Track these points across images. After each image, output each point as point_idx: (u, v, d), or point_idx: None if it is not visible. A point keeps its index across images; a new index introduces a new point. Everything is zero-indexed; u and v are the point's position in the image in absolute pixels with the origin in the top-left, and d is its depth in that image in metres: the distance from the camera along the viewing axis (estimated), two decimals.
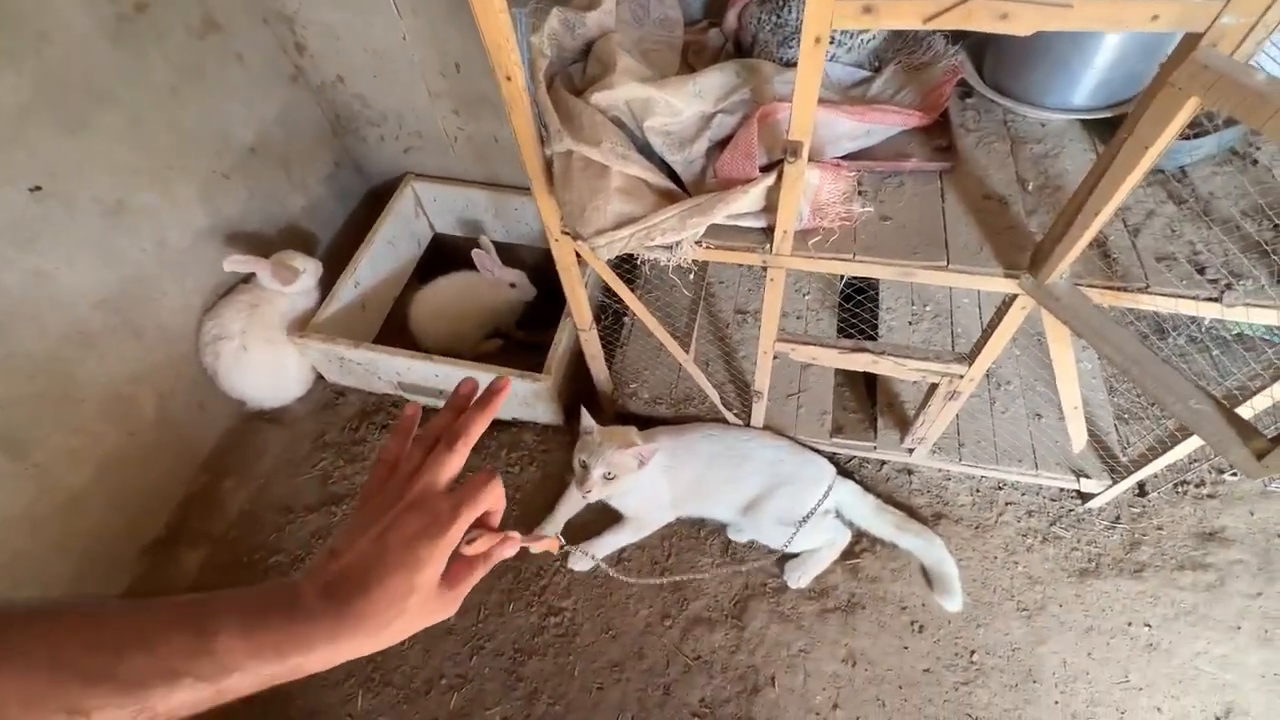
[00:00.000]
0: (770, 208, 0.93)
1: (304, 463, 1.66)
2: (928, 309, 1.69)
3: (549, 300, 1.61)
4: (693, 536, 1.49)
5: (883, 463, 1.54)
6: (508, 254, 1.85)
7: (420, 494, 0.42)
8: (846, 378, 1.64)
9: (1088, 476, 1.36)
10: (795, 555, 1.41)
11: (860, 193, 0.98)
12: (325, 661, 0.38)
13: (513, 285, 1.87)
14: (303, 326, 1.63)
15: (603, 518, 1.48)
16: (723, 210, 0.86)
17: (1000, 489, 1.48)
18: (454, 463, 0.45)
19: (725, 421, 1.53)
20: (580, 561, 1.44)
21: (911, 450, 1.44)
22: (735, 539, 1.47)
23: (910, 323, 1.67)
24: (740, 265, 1.82)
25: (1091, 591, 1.34)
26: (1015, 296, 0.94)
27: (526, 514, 1.51)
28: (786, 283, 1.07)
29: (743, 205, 0.87)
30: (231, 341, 1.55)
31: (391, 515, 0.41)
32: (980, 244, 0.94)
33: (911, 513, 1.44)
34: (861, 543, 1.44)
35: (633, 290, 1.76)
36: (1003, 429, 1.46)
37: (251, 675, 0.36)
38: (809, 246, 0.96)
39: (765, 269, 1.01)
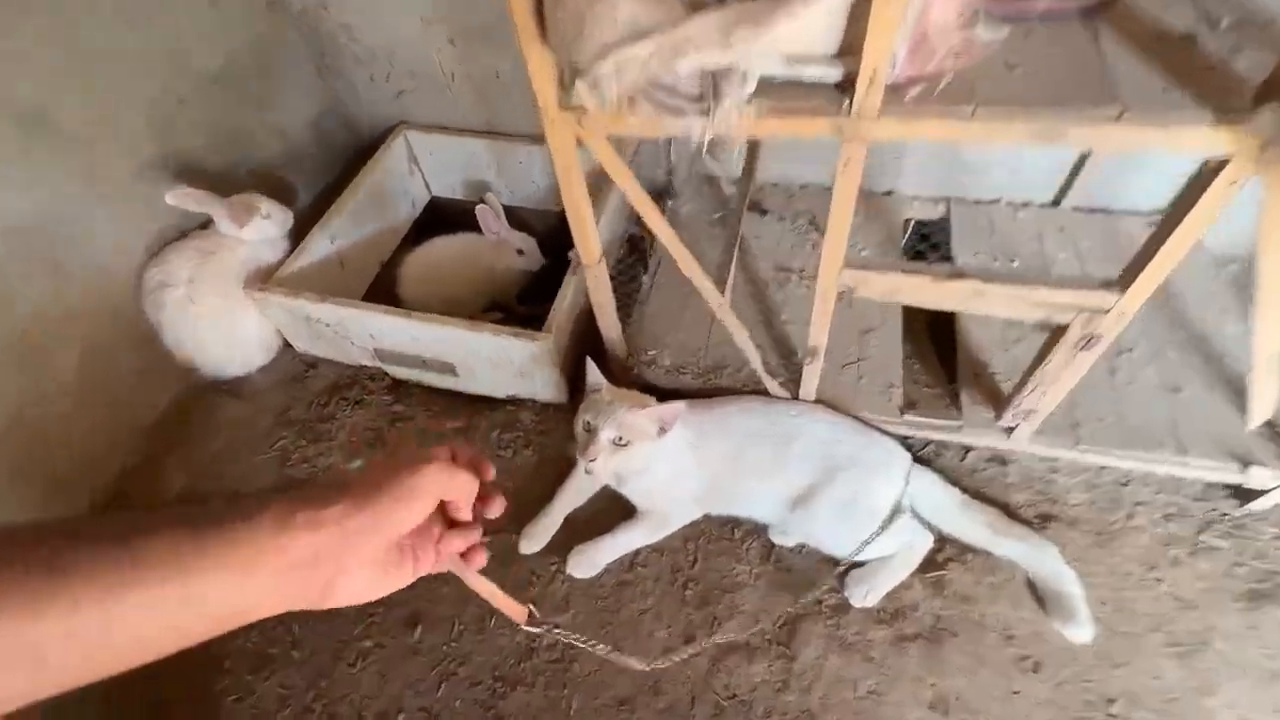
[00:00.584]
0: (851, 47, 0.65)
1: (262, 441, 1.40)
2: (1015, 264, 1.38)
3: (556, 273, 1.35)
4: (725, 538, 1.18)
5: (967, 450, 1.22)
6: (512, 218, 1.59)
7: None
8: (915, 348, 1.33)
9: (1260, 466, 1.02)
10: (860, 564, 1.09)
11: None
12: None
13: (520, 252, 1.60)
14: (265, 280, 1.38)
15: (613, 509, 1.18)
16: (785, 17, 0.57)
17: (1125, 484, 1.14)
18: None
19: (767, 395, 1.23)
20: (581, 565, 1.14)
21: (1010, 430, 1.12)
22: (780, 542, 1.15)
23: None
24: (783, 218, 1.54)
25: (1269, 621, 0.99)
26: (1224, 163, 0.63)
27: (521, 507, 1.22)
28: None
29: (815, 13, 0.58)
30: (176, 290, 1.30)
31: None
32: (1164, 89, 0.64)
33: (1009, 513, 1.11)
34: (945, 550, 1.11)
35: (652, 238, 1.49)
36: (1130, 405, 1.13)
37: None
38: (906, 102, 0.67)
39: (841, 141, 0.72)
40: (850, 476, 1.08)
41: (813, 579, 1.11)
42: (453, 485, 0.42)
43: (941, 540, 1.12)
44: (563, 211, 0.99)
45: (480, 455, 0.46)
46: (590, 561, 1.13)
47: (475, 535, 0.47)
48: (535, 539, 1.17)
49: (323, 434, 1.40)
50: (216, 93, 1.43)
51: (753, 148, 1.42)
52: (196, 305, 1.31)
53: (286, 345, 1.54)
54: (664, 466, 1.10)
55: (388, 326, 1.32)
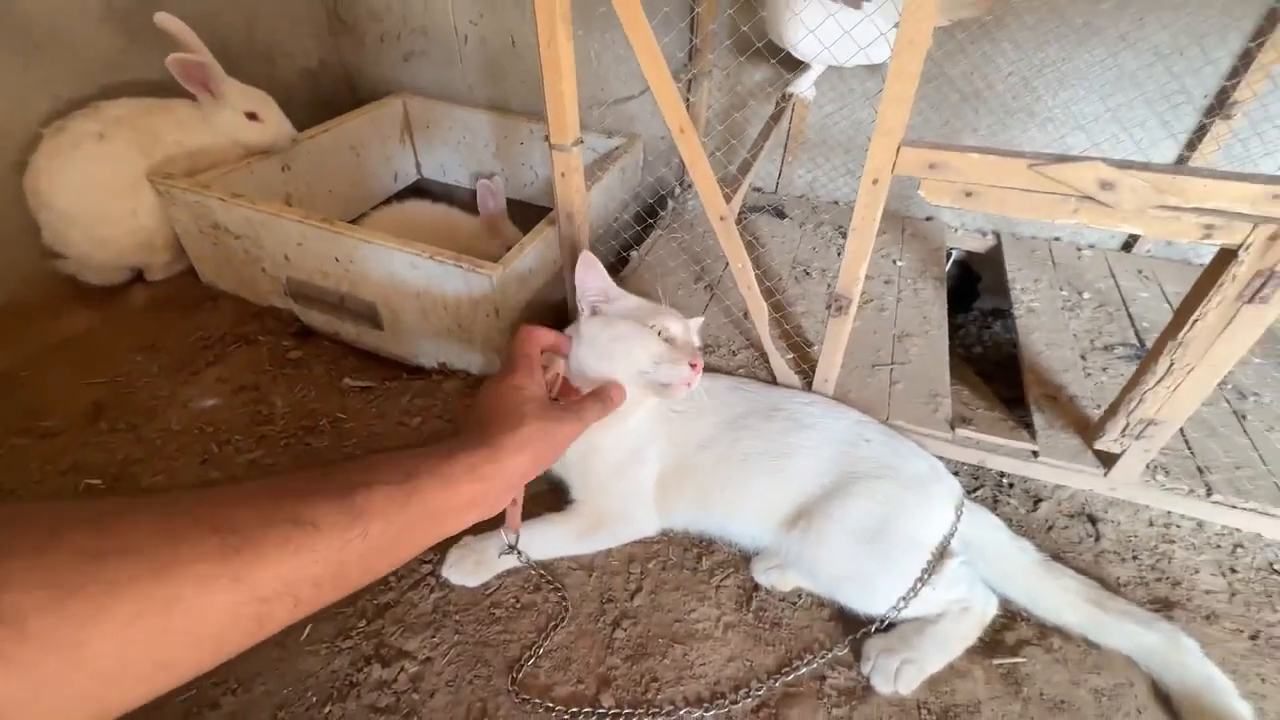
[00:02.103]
0: None
1: (100, 361, 1.07)
2: (1085, 296, 1.12)
3: None
4: (686, 566, 0.80)
5: (1037, 500, 0.87)
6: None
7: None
8: (956, 371, 1.02)
9: None
10: (887, 627, 0.71)
11: None
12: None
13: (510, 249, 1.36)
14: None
15: (550, 498, 0.82)
16: None
17: (1277, 571, 0.78)
18: None
19: (770, 384, 0.91)
20: (464, 567, 0.75)
21: (1112, 461, 0.78)
22: (766, 583, 0.77)
23: (1064, 308, 1.09)
24: (803, 225, 1.32)
25: None
26: None
27: None
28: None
29: None
30: (93, 124, 1.05)
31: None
32: None
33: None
34: (1017, 628, 0.73)
35: (654, 230, 1.26)
36: (1276, 455, 0.80)
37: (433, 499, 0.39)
38: None
39: None
40: (879, 488, 0.74)
41: (811, 641, 0.72)
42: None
43: (1008, 613, 0.74)
44: None
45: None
46: (479, 563, 0.75)
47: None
48: None
49: (184, 366, 1.07)
50: None
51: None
52: (104, 145, 1.05)
53: (189, 273, 1.26)
54: (618, 444, 0.77)
55: (308, 240, 1.05)
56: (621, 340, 0.71)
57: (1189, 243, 0.66)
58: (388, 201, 1.57)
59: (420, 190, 1.70)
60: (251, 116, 1.20)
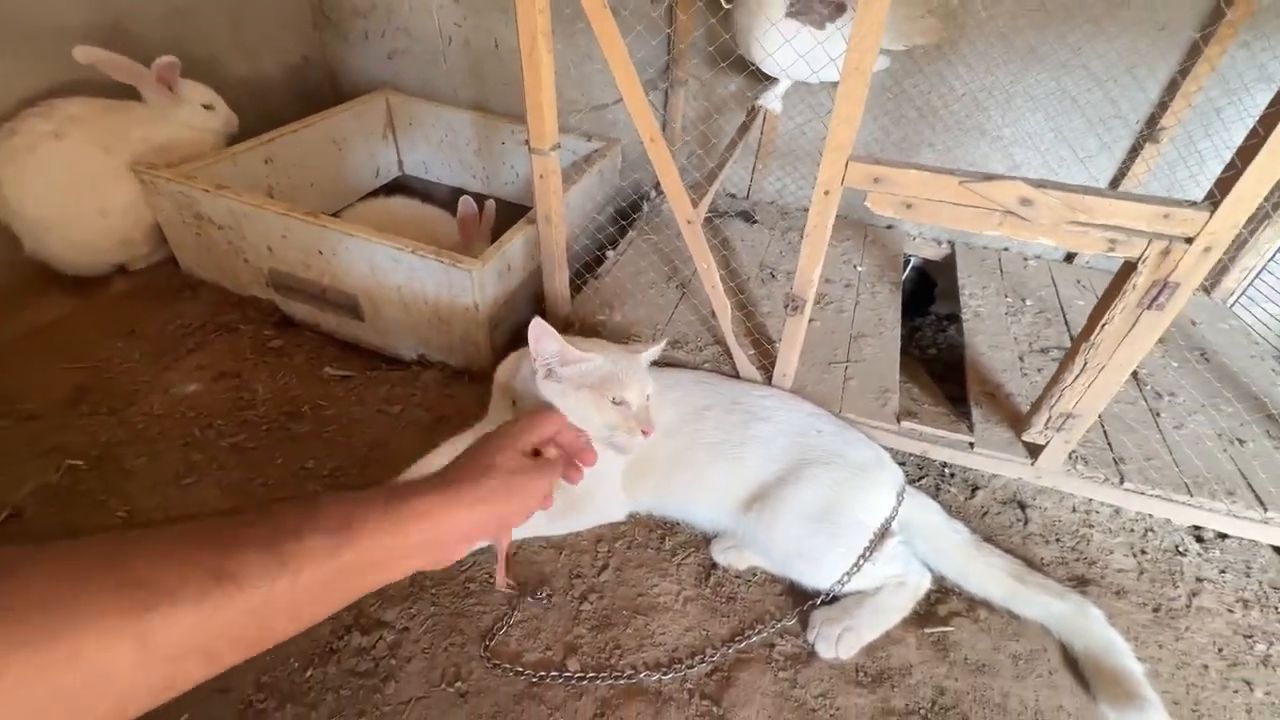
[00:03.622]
0: None
1: (76, 347, 1.08)
2: (1027, 303, 1.20)
3: None
4: (650, 545, 0.85)
5: (975, 488, 0.95)
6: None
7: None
8: (909, 376, 1.10)
9: None
10: (831, 600, 0.77)
11: None
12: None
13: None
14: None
15: None
16: None
17: (1182, 554, 0.87)
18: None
19: (732, 378, 0.98)
20: None
21: (1038, 451, 0.86)
22: (724, 562, 0.83)
23: (1007, 313, 1.17)
24: (772, 229, 1.39)
25: None
26: None
27: (397, 468, 0.89)
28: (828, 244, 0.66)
29: None
30: (46, 124, 1.06)
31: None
32: None
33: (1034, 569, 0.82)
34: (949, 601, 0.80)
35: (629, 231, 1.32)
36: (1185, 451, 0.89)
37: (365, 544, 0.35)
38: None
39: None
40: (828, 473, 0.80)
41: (762, 613, 0.78)
42: (529, 485, 0.45)
43: (942, 587, 0.81)
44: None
45: (576, 440, 0.52)
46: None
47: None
48: None
49: (165, 353, 1.09)
50: None
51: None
52: (61, 144, 1.06)
53: (170, 261, 1.28)
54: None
55: (292, 232, 1.08)
56: (577, 410, 0.73)
57: (1093, 255, 0.73)
58: (368, 196, 1.60)
59: (401, 186, 1.73)
60: (207, 107, 1.23)
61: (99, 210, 1.12)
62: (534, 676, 0.69)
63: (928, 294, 1.50)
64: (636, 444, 0.75)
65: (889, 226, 1.42)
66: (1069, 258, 1.34)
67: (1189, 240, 0.62)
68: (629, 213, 1.46)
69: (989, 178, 0.66)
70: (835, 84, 0.68)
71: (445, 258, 1.00)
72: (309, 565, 0.33)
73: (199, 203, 1.13)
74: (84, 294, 1.19)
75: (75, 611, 0.26)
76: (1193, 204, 0.62)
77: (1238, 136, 0.61)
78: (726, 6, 1.11)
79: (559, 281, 1.03)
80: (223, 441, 0.95)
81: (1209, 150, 1.13)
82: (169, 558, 0.29)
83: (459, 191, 1.55)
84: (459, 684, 0.69)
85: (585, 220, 1.38)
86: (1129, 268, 0.67)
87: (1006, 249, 1.37)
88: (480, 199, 1.30)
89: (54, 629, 0.25)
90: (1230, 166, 0.60)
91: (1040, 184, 0.65)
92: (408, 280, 1.05)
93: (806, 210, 1.44)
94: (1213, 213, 0.61)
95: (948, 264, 1.36)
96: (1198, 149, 1.13)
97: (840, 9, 1.01)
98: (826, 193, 0.73)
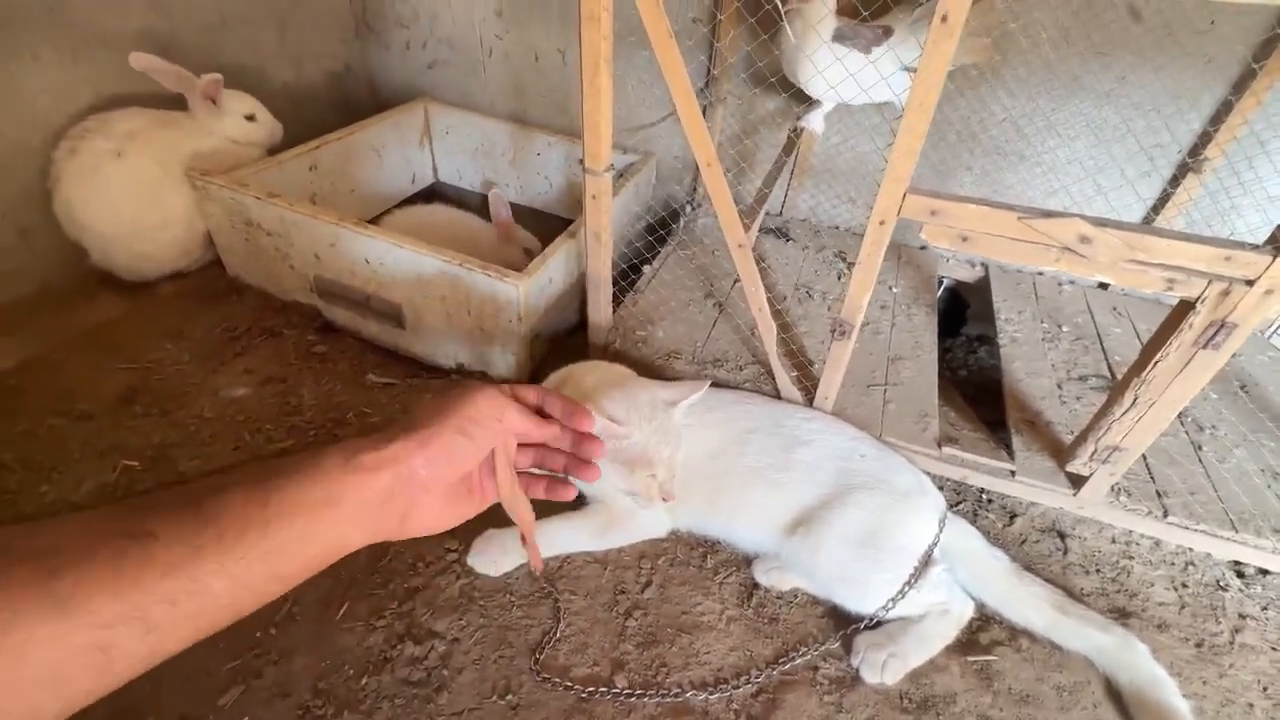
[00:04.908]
0: None
1: (130, 347, 1.11)
2: (1064, 329, 1.21)
3: None
4: (692, 564, 0.87)
5: (1013, 515, 0.95)
6: (517, 216, 1.44)
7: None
8: (943, 393, 1.10)
9: None
10: (875, 625, 0.78)
11: None
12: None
13: (528, 253, 1.41)
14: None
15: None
16: None
17: (1224, 589, 0.87)
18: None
19: (773, 399, 0.99)
20: (488, 558, 0.81)
21: (1081, 482, 0.86)
22: (766, 583, 0.84)
23: (1044, 339, 1.18)
24: (806, 248, 1.40)
25: None
26: None
27: None
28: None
29: None
30: (106, 142, 1.09)
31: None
32: None
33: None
34: (991, 630, 0.81)
35: (664, 246, 1.33)
36: (1229, 486, 0.89)
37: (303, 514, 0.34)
38: None
39: None
40: (872, 499, 0.81)
41: (805, 635, 0.79)
42: (506, 415, 0.43)
43: (982, 615, 0.82)
44: (569, 220, 0.84)
45: (560, 399, 0.48)
46: (502, 553, 0.81)
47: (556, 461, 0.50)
48: None
49: (213, 355, 1.11)
50: None
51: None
52: (124, 163, 1.09)
53: (216, 264, 1.31)
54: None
55: (341, 240, 1.10)
56: (611, 479, 0.78)
57: (1154, 292, 0.74)
58: (404, 203, 1.62)
59: (436, 193, 1.75)
60: (249, 118, 1.25)
61: (161, 223, 1.16)
62: (583, 692, 0.70)
63: (959, 315, 1.51)
64: (655, 508, 0.79)
65: (923, 248, 1.43)
66: (1104, 284, 1.34)
67: (1249, 283, 0.63)
68: (663, 224, 1.48)
69: (1048, 214, 0.67)
70: (877, 104, 0.68)
71: (492, 271, 1.02)
72: (236, 519, 0.31)
73: (249, 209, 1.16)
74: (133, 296, 1.21)
75: None
76: (1255, 247, 0.62)
77: None
78: (763, 37, 1.12)
79: (603, 297, 1.04)
80: (272, 446, 0.97)
81: (1252, 181, 1.13)
82: (78, 525, 0.29)
83: None
84: (509, 696, 0.70)
85: (620, 233, 1.40)
86: (1186, 306, 0.67)
87: (1041, 273, 1.37)
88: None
89: None
90: None
91: (1101, 222, 0.66)
92: (452, 291, 1.07)
93: (839, 229, 1.46)
94: (1276, 256, 0.61)
95: (981, 285, 1.36)
96: (1241, 180, 1.13)
97: (887, 34, 1.02)
98: (882, 223, 0.74)
